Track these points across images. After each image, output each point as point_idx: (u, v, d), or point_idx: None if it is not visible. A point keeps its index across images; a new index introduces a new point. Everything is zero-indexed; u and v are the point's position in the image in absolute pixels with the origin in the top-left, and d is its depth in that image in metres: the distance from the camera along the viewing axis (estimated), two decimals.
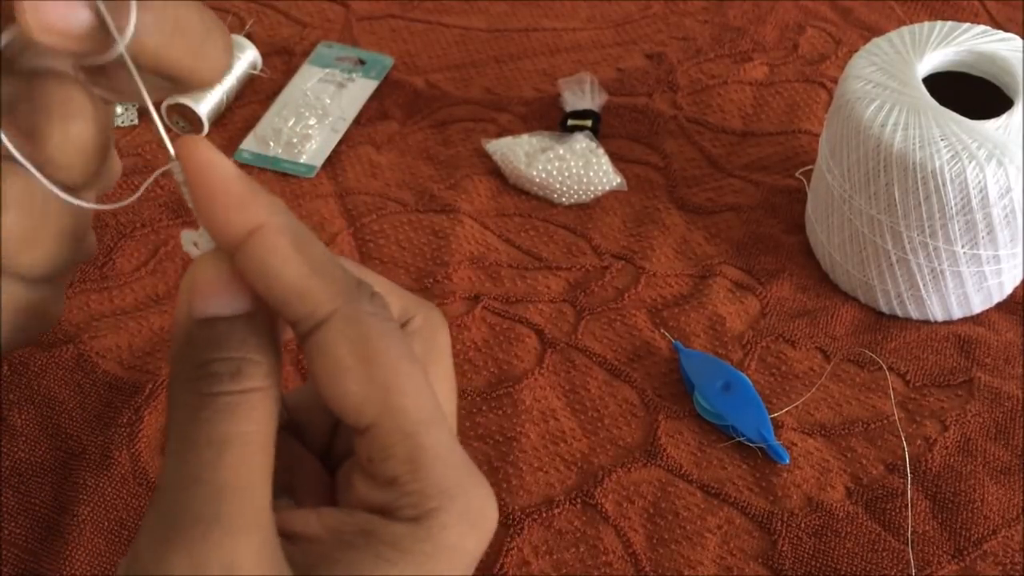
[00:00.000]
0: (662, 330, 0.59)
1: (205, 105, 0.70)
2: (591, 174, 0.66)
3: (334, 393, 0.26)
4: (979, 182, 0.53)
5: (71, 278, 0.32)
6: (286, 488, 0.29)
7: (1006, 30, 0.61)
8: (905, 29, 0.61)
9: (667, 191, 0.68)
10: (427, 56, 0.79)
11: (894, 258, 0.58)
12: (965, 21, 0.61)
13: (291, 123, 0.71)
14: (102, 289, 0.61)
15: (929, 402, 0.56)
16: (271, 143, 0.70)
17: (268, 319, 0.26)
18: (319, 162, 0.69)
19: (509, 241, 0.65)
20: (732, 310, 0.61)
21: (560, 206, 0.67)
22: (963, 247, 0.56)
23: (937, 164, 0.53)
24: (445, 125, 0.73)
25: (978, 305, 0.60)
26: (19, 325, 0.29)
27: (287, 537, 0.26)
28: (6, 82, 0.26)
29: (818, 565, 0.50)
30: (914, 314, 0.60)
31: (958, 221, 0.55)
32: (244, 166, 0.69)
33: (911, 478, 0.53)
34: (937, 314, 0.60)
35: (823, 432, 0.55)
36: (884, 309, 0.61)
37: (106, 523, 0.50)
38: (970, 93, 0.59)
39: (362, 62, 0.77)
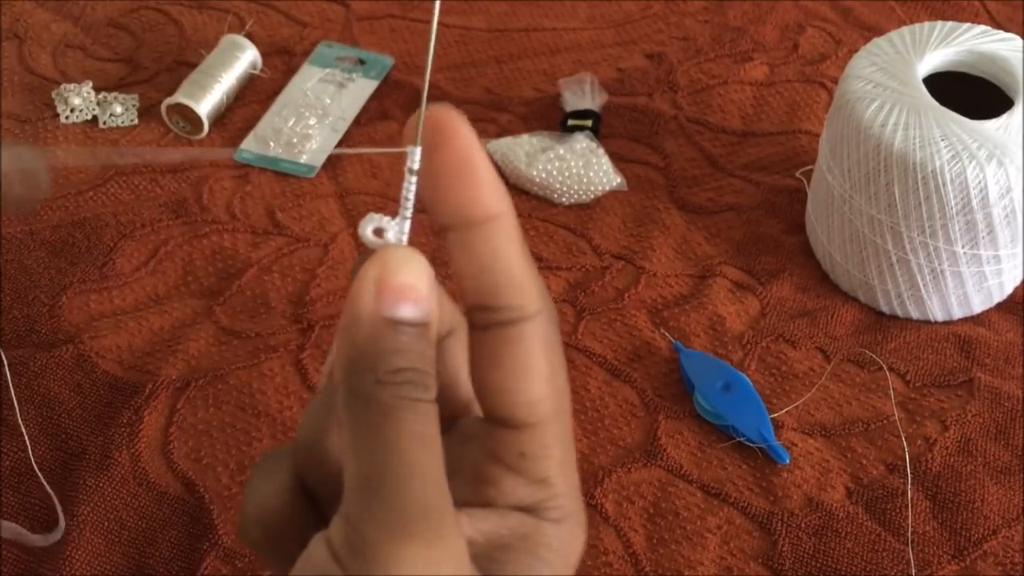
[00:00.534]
0: (662, 330, 0.59)
1: (205, 105, 0.70)
2: (591, 174, 0.66)
3: (517, 384, 0.27)
4: (979, 182, 0.53)
5: None
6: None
7: (1006, 30, 0.61)
8: (905, 29, 0.61)
9: (667, 191, 0.68)
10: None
11: (894, 258, 0.58)
12: (965, 21, 0.61)
13: (291, 123, 0.71)
14: (102, 289, 0.61)
15: (929, 402, 0.56)
16: (271, 143, 0.70)
17: (434, 336, 0.27)
18: (319, 162, 0.69)
19: None
20: (732, 310, 0.61)
21: (560, 206, 0.67)
22: (963, 247, 0.56)
23: (937, 164, 0.53)
24: None
25: (978, 305, 0.60)
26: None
27: None
28: None
29: (818, 565, 0.50)
30: (914, 314, 0.60)
31: (958, 221, 0.55)
32: (244, 166, 0.69)
33: (911, 478, 0.53)
34: (937, 314, 0.60)
35: (823, 432, 0.55)
36: (884, 309, 0.61)
37: (106, 523, 0.50)
38: (970, 93, 0.59)
39: (362, 62, 0.77)
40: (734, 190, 0.68)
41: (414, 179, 0.26)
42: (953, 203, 0.54)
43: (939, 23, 0.61)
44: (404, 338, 0.26)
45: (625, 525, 0.51)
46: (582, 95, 0.72)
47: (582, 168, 0.66)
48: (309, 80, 0.75)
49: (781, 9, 0.82)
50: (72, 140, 0.71)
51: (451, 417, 0.30)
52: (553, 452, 0.27)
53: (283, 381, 0.56)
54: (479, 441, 0.29)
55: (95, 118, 0.72)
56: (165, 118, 0.71)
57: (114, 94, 0.73)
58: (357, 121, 0.72)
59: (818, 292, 0.62)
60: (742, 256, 0.64)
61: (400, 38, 0.80)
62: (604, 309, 0.60)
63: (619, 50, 0.80)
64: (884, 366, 0.57)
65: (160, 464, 0.53)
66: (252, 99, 0.74)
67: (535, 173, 0.66)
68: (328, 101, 0.73)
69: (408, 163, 0.26)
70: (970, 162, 0.53)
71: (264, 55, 0.76)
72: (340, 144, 0.71)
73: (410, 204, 0.26)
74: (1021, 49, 0.59)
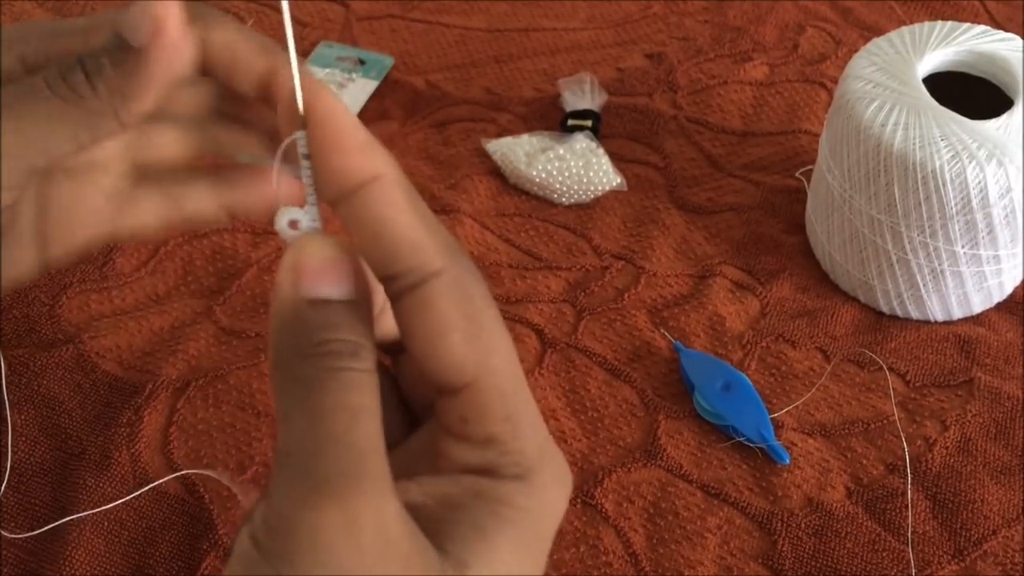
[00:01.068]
0: (662, 330, 0.59)
1: None
2: (591, 174, 0.66)
3: (435, 349, 0.26)
4: (979, 182, 0.53)
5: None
6: None
7: (1006, 30, 0.61)
8: (905, 29, 0.61)
9: (667, 191, 0.68)
10: (427, 56, 0.79)
11: (894, 258, 0.58)
12: (965, 21, 0.61)
13: None
14: (102, 289, 0.61)
15: (929, 402, 0.56)
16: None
17: (368, 310, 0.27)
18: None
19: (509, 241, 0.65)
20: (732, 310, 0.61)
21: (560, 206, 0.67)
22: (963, 247, 0.56)
23: (937, 164, 0.53)
24: (445, 125, 0.73)
25: (978, 305, 0.60)
26: None
27: None
28: None
29: (818, 565, 0.50)
30: (914, 314, 0.60)
31: (958, 221, 0.55)
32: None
33: (911, 478, 0.53)
34: (937, 314, 0.60)
35: (823, 432, 0.55)
36: (884, 309, 0.61)
37: (106, 523, 0.50)
38: (970, 93, 0.59)
39: (362, 62, 0.77)
40: (734, 190, 0.68)
41: (307, 164, 0.26)
42: (953, 203, 0.54)
43: (939, 23, 0.61)
44: (328, 313, 0.26)
45: (625, 525, 0.51)
46: (582, 95, 0.72)
47: (582, 168, 0.66)
48: None
49: (781, 9, 0.82)
50: None
51: (429, 413, 0.30)
52: (493, 408, 0.26)
53: None
54: (435, 418, 0.28)
55: None
56: None
57: None
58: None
59: (818, 292, 0.62)
60: (742, 256, 0.64)
61: (400, 38, 0.80)
62: (604, 309, 0.60)
63: (619, 50, 0.80)
64: (884, 366, 0.57)
65: (160, 464, 0.53)
66: None
67: (535, 173, 0.66)
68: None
69: (299, 150, 0.26)
70: (970, 162, 0.53)
71: None
72: None
73: (312, 190, 0.27)
74: (1021, 49, 0.59)
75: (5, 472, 0.52)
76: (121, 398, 0.55)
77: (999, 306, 0.61)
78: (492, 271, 0.63)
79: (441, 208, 0.66)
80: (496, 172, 0.69)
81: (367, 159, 0.26)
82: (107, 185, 0.33)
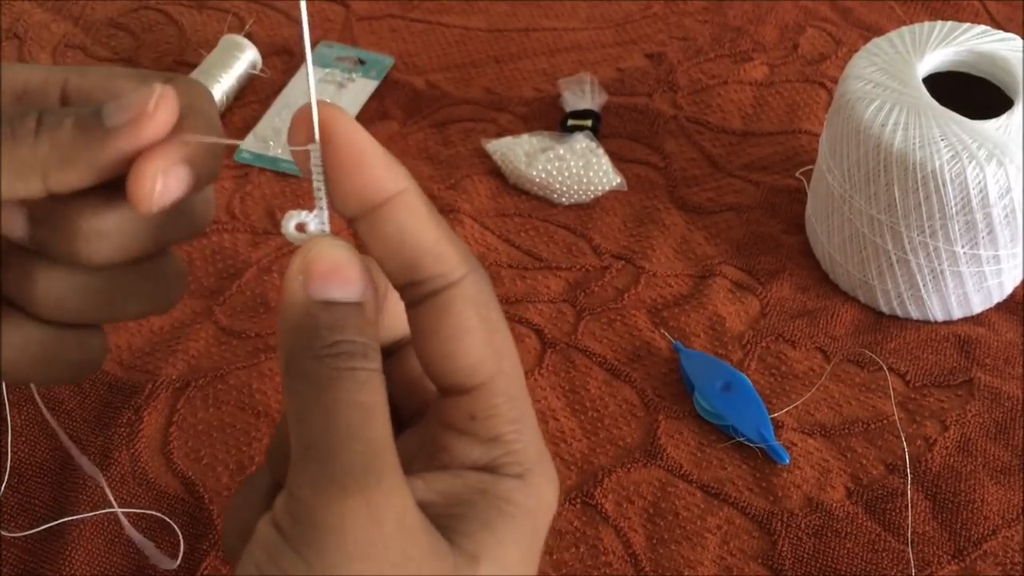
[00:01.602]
0: (662, 330, 0.59)
1: None
2: (591, 174, 0.66)
3: (453, 350, 0.27)
4: (979, 182, 0.53)
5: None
6: None
7: (1006, 30, 0.61)
8: (905, 29, 0.61)
9: (667, 191, 0.68)
10: (427, 56, 0.79)
11: (894, 258, 0.58)
12: (965, 21, 0.61)
13: None
14: None
15: (929, 402, 0.56)
16: (271, 143, 0.70)
17: (373, 312, 0.28)
18: None
19: (509, 241, 0.65)
20: (732, 310, 0.61)
21: (560, 206, 0.67)
22: (963, 247, 0.56)
23: (937, 164, 0.53)
24: (445, 125, 0.73)
25: (978, 305, 0.60)
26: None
27: None
28: None
29: (818, 565, 0.50)
30: (914, 314, 0.60)
31: (958, 221, 0.55)
32: (244, 166, 0.69)
33: (911, 478, 0.53)
34: (937, 314, 0.60)
35: (823, 432, 0.55)
36: (884, 309, 0.61)
37: (106, 523, 0.50)
38: (970, 93, 0.59)
39: (362, 62, 0.77)
40: (734, 190, 0.68)
41: (320, 172, 0.27)
42: (953, 203, 0.54)
43: (939, 23, 0.61)
44: (337, 315, 0.26)
45: (625, 525, 0.51)
46: (582, 95, 0.72)
47: (582, 168, 0.66)
48: None
49: (781, 9, 0.82)
50: None
51: (421, 413, 0.31)
52: (502, 409, 0.28)
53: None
54: (435, 416, 0.29)
55: None
56: None
57: None
58: (357, 121, 0.72)
59: (818, 292, 0.62)
60: (742, 256, 0.64)
61: (400, 38, 0.80)
62: (604, 309, 0.61)
63: (619, 50, 0.80)
64: (884, 366, 0.57)
65: (160, 464, 0.53)
66: (252, 99, 0.74)
67: (535, 173, 0.66)
68: (328, 101, 0.73)
69: (312, 161, 0.27)
70: (970, 162, 0.53)
71: (264, 55, 0.76)
72: None
73: (323, 195, 0.27)
74: (1021, 49, 0.59)
75: (5, 472, 0.52)
76: (121, 398, 0.55)
77: (999, 306, 0.61)
78: (492, 271, 0.63)
79: (441, 208, 0.66)
80: (496, 172, 0.69)
81: (392, 177, 0.27)
82: None
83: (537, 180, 0.66)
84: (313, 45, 0.78)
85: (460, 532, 0.26)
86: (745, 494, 0.52)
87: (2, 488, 0.51)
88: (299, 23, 0.28)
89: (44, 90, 0.31)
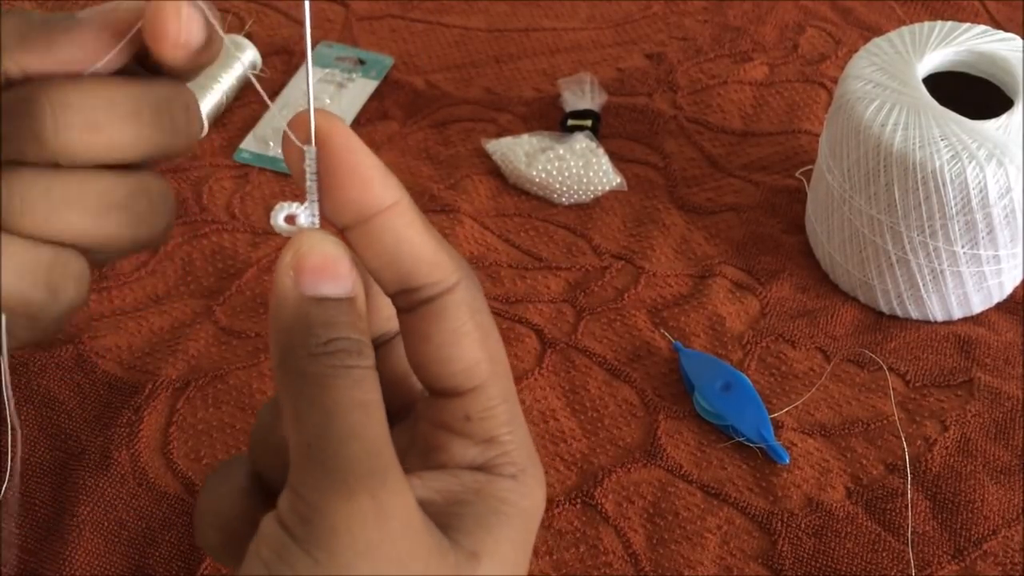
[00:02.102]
0: (662, 330, 0.59)
1: (205, 105, 0.70)
2: (591, 174, 0.66)
3: (450, 355, 0.28)
4: (979, 182, 0.53)
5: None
6: None
7: (1006, 30, 0.61)
8: (905, 29, 0.61)
9: (667, 191, 0.68)
10: (427, 56, 0.79)
11: (894, 258, 0.58)
12: (965, 21, 0.61)
13: None
14: (102, 289, 0.61)
15: (929, 402, 0.56)
16: (271, 143, 0.70)
17: (363, 308, 0.28)
18: None
19: (509, 241, 0.65)
20: (732, 310, 0.61)
21: (560, 206, 0.67)
22: (963, 247, 0.56)
23: (937, 164, 0.53)
24: (445, 125, 0.73)
25: (978, 305, 0.60)
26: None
27: None
28: None
29: (818, 565, 0.50)
30: (914, 314, 0.60)
31: (958, 221, 0.55)
32: (244, 166, 0.69)
33: (911, 478, 0.53)
34: (937, 314, 0.60)
35: (823, 432, 0.55)
36: (884, 309, 0.61)
37: (106, 523, 0.50)
38: (970, 93, 0.59)
39: (362, 62, 0.77)
40: (734, 190, 0.68)
41: (313, 170, 0.27)
42: (953, 203, 0.54)
43: (939, 23, 0.61)
44: (330, 311, 0.26)
45: (625, 525, 0.51)
46: (582, 95, 0.72)
47: (582, 168, 0.66)
48: None
49: (781, 9, 0.83)
50: None
51: (405, 410, 0.31)
52: (497, 411, 0.28)
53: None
54: (426, 416, 0.29)
55: None
56: None
57: None
58: (357, 121, 0.72)
59: (818, 292, 0.62)
60: (742, 256, 0.64)
61: (400, 38, 0.80)
62: (604, 309, 0.61)
63: (619, 50, 0.80)
64: (884, 366, 0.57)
65: (160, 464, 0.53)
66: (252, 99, 0.74)
67: (535, 173, 0.66)
68: (328, 101, 0.73)
69: (306, 162, 0.27)
70: (970, 162, 0.53)
71: (264, 55, 0.76)
72: None
73: (314, 188, 0.27)
74: (1021, 49, 0.59)
75: (5, 472, 0.52)
76: (121, 398, 0.55)
77: (999, 306, 0.61)
78: (492, 271, 0.63)
79: (441, 208, 0.66)
80: (496, 172, 0.69)
81: (387, 188, 0.27)
82: None
83: (537, 180, 0.66)
84: (313, 45, 0.78)
85: (459, 531, 0.27)
86: (745, 494, 0.52)
87: (2, 488, 0.52)
88: (302, 24, 0.28)
89: None
